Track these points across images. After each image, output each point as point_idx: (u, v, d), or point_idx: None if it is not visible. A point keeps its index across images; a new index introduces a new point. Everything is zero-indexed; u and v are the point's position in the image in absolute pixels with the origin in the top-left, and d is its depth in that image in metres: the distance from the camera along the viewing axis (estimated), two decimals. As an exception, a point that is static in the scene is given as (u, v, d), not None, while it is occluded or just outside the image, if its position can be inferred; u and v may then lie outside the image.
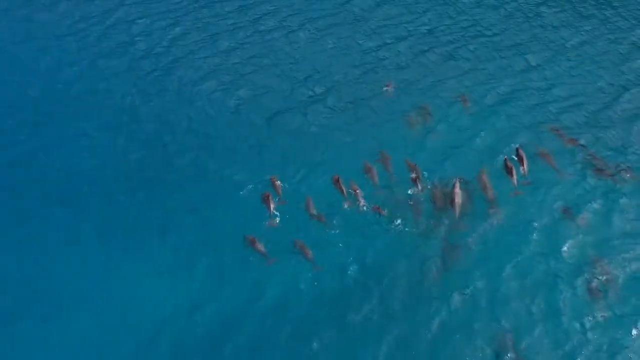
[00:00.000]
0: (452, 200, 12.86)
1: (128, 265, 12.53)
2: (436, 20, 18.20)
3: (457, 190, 12.96)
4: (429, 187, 13.30)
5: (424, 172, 13.52)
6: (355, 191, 13.19)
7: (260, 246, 12.38)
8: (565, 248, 12.14)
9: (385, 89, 15.85)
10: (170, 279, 12.22)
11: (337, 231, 12.75)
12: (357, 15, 18.62)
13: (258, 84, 16.70)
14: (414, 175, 13.35)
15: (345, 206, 13.02)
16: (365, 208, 12.95)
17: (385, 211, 12.87)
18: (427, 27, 17.99)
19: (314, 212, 12.93)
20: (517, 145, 13.67)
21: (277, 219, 12.81)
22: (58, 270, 12.52)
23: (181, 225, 13.22)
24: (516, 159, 13.38)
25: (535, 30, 17.57)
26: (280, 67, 17.13)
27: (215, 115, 15.80)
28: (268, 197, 13.01)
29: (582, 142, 14.01)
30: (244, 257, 12.42)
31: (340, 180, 13.32)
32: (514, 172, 13.08)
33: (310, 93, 16.19)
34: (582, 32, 17.23)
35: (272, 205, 12.87)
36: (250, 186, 13.66)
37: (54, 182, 14.24)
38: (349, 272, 12.22)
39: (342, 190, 13.21)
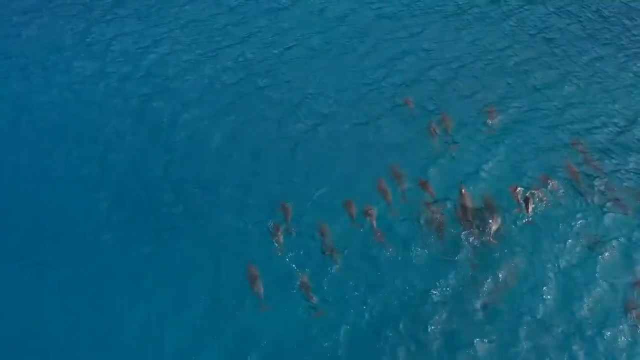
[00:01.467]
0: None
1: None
2: (436, 37, 17.42)
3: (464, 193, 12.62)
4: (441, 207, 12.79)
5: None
6: (369, 216, 12.56)
7: (259, 286, 11.57)
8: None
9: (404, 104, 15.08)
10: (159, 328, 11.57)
11: (347, 265, 12.07)
12: (352, 32, 17.71)
13: (252, 109, 15.70)
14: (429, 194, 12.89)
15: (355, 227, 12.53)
16: (379, 236, 12.35)
17: (390, 247, 12.24)
18: (427, 45, 17.19)
19: (328, 241, 12.21)
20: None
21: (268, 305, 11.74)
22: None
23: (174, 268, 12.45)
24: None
25: (541, 47, 16.91)
26: (274, 90, 16.12)
27: (201, 148, 14.81)
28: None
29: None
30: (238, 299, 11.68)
31: (353, 204, 12.75)
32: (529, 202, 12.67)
33: (308, 118, 15.30)
34: (591, 51, 16.64)
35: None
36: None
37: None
38: (356, 320, 11.45)
39: (353, 216, 12.64)
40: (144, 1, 19.15)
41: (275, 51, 17.19)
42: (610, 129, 14.40)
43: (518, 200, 12.76)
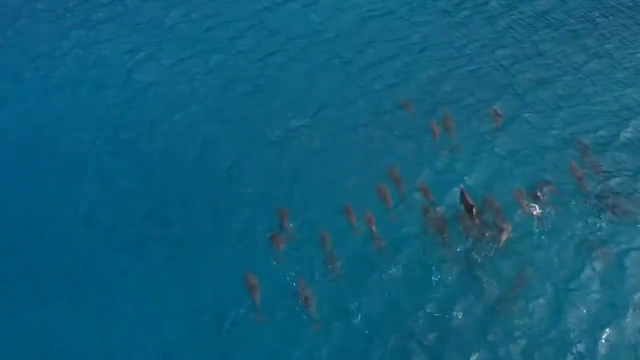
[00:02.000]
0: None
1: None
2: (429, 36, 16.99)
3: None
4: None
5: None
6: (369, 223, 12.18)
7: (257, 295, 11.13)
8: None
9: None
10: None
11: (347, 274, 11.63)
12: (340, 33, 17.18)
13: (241, 115, 15.15)
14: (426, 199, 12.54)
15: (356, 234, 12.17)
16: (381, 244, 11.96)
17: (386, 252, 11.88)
18: (419, 44, 16.74)
19: (328, 249, 11.80)
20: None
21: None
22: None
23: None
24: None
25: (535, 45, 16.59)
26: (262, 95, 15.58)
27: (185, 156, 14.18)
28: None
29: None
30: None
31: (351, 210, 12.34)
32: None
33: (295, 122, 14.76)
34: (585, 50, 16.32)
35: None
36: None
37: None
38: (356, 332, 10.94)
39: (353, 222, 12.24)
40: (120, 7, 18.55)
41: (261, 55, 16.66)
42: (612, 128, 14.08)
43: (522, 203, 12.43)
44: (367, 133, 14.34)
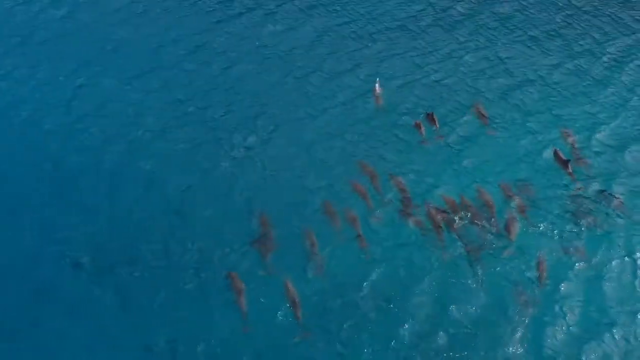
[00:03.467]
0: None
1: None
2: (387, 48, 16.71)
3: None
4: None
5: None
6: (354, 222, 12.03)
7: (243, 302, 10.80)
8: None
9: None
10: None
11: (333, 277, 11.35)
12: (298, 46, 16.77)
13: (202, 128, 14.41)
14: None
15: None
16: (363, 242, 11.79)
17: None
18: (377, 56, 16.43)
19: (315, 250, 11.52)
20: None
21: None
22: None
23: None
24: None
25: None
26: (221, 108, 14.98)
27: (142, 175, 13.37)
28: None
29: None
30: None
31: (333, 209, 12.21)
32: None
33: (264, 133, 14.29)
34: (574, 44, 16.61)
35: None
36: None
37: None
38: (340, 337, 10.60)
39: (336, 222, 12.05)
40: (68, 23, 17.59)
41: (220, 68, 16.09)
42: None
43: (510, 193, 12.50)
44: (335, 144, 13.97)
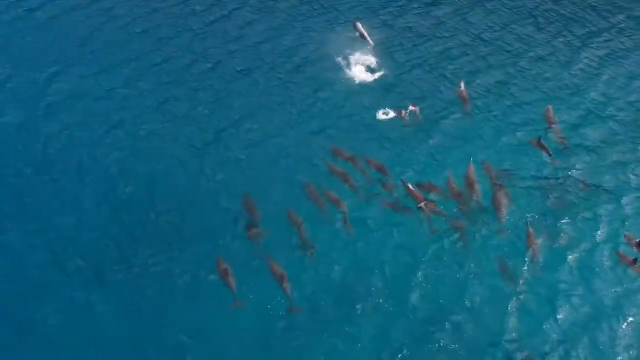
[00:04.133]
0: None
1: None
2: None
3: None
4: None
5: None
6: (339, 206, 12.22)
7: (231, 280, 10.92)
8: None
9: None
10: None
11: (322, 260, 11.53)
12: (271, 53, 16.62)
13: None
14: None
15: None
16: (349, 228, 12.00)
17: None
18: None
19: (303, 235, 11.71)
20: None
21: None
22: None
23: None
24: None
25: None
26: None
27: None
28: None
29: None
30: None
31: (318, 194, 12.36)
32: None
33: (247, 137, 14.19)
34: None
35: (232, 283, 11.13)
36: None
37: None
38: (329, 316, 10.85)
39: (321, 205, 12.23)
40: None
41: (195, 73, 15.99)
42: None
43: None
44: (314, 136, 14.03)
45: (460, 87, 14.63)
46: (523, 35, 16.77)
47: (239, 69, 15.87)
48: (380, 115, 14.23)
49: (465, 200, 12.13)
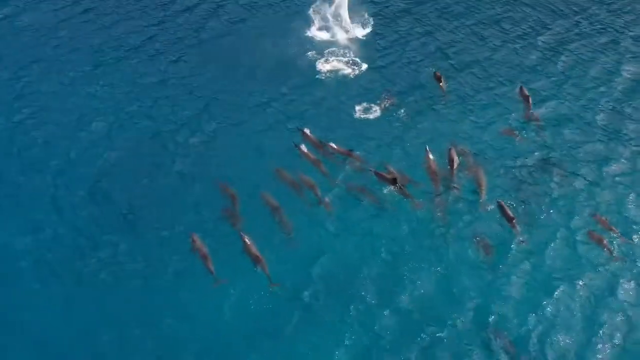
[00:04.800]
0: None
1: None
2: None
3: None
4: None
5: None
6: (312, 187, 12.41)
7: (208, 261, 11.04)
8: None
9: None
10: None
11: (300, 237, 11.70)
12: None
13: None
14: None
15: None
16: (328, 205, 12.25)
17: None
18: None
19: (275, 206, 11.95)
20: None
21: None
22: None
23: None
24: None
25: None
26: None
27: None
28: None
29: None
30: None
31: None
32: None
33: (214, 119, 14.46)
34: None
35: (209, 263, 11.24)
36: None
37: None
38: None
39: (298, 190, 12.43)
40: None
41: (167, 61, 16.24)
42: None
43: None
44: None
45: (437, 73, 15.14)
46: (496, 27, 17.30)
47: (207, 61, 16.06)
48: (356, 105, 14.45)
49: (441, 181, 12.50)
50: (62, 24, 17.37)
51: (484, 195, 12.23)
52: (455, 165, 12.65)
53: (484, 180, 12.38)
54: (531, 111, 14.02)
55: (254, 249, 11.00)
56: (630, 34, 16.80)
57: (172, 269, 11.30)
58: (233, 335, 10.44)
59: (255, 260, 10.91)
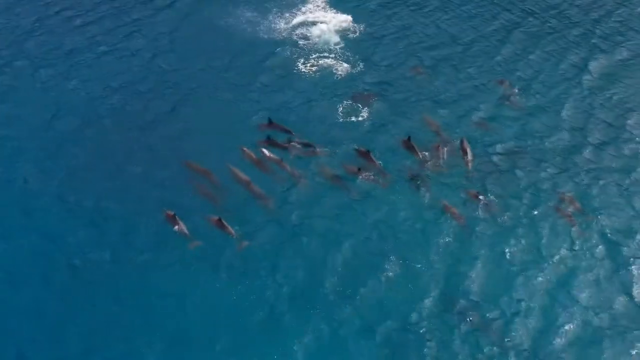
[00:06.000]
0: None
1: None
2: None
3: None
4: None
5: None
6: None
7: (181, 226, 11.75)
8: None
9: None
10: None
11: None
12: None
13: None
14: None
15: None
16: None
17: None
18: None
19: (246, 180, 12.58)
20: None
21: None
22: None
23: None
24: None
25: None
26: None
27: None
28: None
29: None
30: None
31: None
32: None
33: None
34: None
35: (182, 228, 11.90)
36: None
37: None
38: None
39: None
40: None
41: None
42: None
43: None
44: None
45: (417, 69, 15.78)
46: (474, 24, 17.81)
47: (184, 57, 16.36)
48: (335, 99, 14.87)
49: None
50: (36, 24, 17.48)
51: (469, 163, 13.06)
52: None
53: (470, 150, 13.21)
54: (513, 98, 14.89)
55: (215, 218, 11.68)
56: (598, 31, 17.28)
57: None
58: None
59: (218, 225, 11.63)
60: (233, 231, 11.52)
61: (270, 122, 13.69)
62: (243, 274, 11.24)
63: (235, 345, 10.36)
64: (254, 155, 13.01)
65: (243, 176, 12.50)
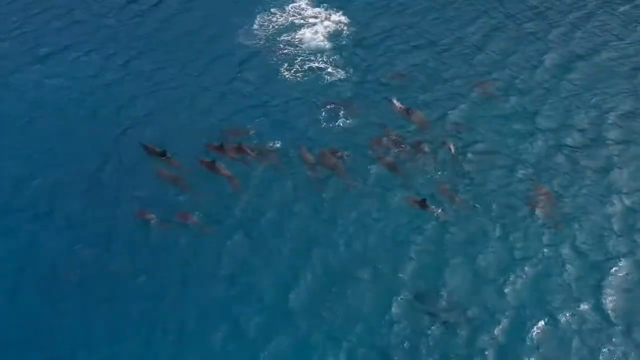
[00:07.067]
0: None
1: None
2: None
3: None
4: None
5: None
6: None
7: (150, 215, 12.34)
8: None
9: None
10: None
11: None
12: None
13: None
14: None
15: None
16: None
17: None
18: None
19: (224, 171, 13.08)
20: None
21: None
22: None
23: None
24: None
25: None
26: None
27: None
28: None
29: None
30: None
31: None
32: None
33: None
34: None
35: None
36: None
37: None
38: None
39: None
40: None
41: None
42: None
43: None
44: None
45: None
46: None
47: (163, 57, 16.43)
48: (313, 99, 14.97)
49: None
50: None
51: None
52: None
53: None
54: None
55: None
56: (578, 34, 17.26)
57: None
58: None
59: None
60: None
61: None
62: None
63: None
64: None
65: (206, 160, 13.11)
